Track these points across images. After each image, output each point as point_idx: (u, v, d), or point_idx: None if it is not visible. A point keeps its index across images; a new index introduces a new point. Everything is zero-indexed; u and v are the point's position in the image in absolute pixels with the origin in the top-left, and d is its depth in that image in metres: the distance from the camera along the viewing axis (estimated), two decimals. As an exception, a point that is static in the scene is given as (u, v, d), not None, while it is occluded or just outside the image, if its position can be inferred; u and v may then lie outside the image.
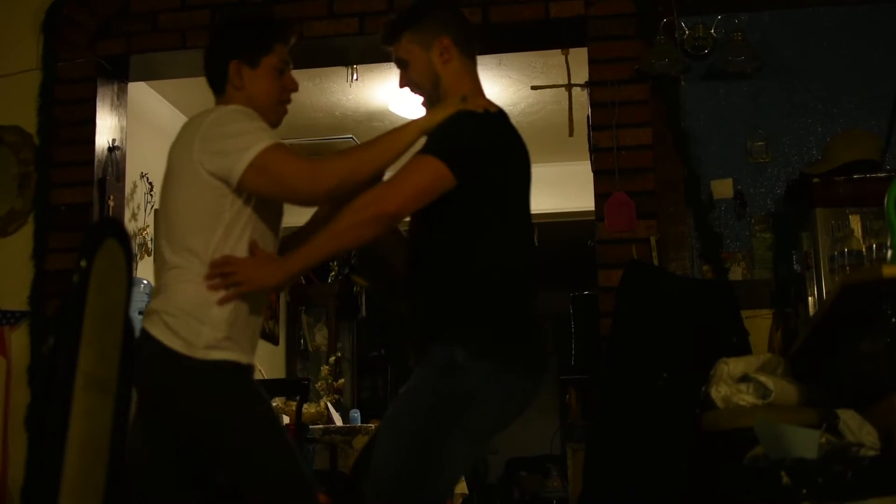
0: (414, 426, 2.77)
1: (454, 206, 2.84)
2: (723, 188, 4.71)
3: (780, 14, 4.83)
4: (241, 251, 2.84)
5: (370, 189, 2.84)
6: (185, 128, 2.93)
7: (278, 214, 3.00)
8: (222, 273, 2.79)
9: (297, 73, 3.07)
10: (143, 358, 2.80)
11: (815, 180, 4.23)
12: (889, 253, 3.12)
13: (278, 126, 3.08)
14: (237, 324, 2.82)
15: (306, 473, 2.85)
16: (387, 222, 2.81)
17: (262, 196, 2.86)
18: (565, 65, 5.81)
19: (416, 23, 3.06)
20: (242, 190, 2.82)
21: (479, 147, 2.86)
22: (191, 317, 2.76)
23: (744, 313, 4.36)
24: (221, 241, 2.82)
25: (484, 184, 2.85)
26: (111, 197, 5.17)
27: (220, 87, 3.03)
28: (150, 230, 6.49)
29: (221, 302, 2.78)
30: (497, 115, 2.95)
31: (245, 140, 2.81)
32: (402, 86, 3.12)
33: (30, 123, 5.15)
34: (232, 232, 2.83)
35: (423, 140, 2.92)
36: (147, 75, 5.73)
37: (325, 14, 4.97)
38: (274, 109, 3.04)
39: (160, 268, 2.89)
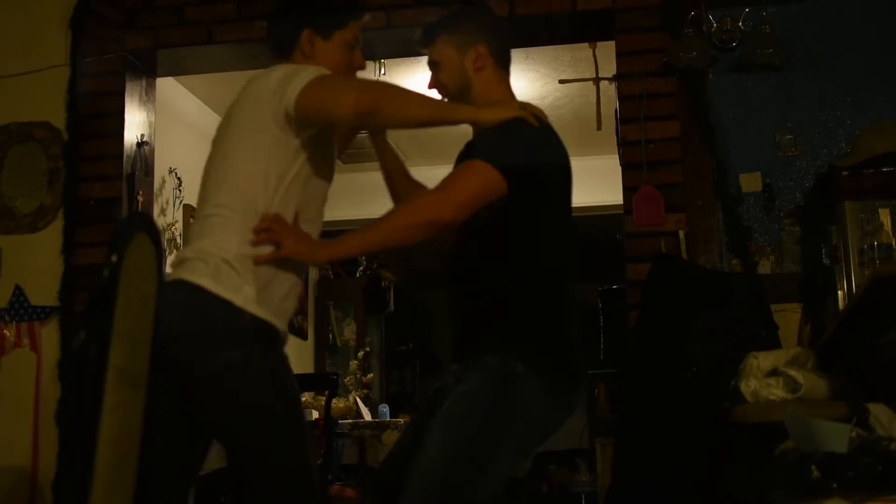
0: (469, 430, 2.75)
1: (504, 214, 2.83)
2: (751, 181, 4.69)
3: (808, 6, 4.80)
4: (289, 210, 2.80)
5: (427, 193, 2.84)
6: (251, 83, 2.91)
7: (326, 185, 2.96)
8: (267, 229, 2.75)
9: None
10: (176, 299, 2.68)
11: (844, 173, 4.22)
12: (920, 246, 3.11)
13: None
14: (271, 289, 2.78)
15: (312, 464, 2.81)
16: (440, 228, 2.78)
17: (309, 122, 2.81)
18: (593, 58, 5.79)
19: (454, 27, 3.07)
20: (298, 120, 2.78)
21: (533, 159, 2.85)
22: (229, 266, 2.73)
23: (773, 307, 4.35)
24: (270, 196, 2.79)
25: (532, 195, 2.84)
26: (140, 192, 5.19)
27: (286, 52, 3.04)
28: (179, 225, 6.52)
29: (258, 262, 2.74)
30: (550, 130, 2.93)
31: (309, 71, 2.81)
32: (430, 87, 3.11)
33: (58, 119, 5.18)
34: (283, 189, 2.80)
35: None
36: (174, 70, 5.75)
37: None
38: None
39: (198, 217, 2.87)
